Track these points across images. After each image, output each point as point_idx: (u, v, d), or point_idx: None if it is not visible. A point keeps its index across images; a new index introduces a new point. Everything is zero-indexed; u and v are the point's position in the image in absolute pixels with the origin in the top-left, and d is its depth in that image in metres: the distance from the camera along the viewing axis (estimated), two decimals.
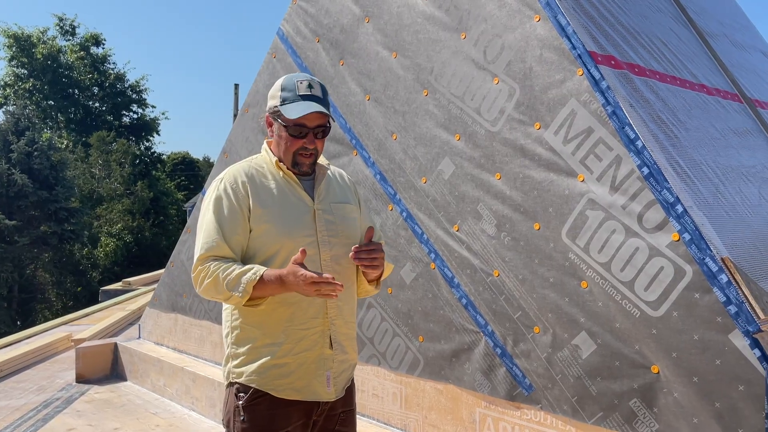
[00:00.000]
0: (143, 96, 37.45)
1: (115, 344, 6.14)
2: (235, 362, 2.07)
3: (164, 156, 40.35)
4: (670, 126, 3.06)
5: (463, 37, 3.54)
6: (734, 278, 2.50)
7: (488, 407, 3.26)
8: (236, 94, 23.73)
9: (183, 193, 39.73)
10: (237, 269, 1.95)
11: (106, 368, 6.06)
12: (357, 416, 4.15)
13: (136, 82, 37.26)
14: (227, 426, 2.08)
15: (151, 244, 30.06)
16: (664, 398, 2.60)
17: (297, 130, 2.04)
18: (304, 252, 1.89)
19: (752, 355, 2.36)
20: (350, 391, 2.24)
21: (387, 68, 3.97)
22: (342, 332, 2.15)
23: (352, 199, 2.26)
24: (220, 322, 5.22)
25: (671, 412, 2.58)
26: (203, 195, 5.66)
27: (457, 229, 3.48)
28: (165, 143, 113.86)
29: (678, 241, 2.60)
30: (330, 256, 2.10)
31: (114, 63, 42.15)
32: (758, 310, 2.43)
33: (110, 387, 5.74)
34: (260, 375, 2.03)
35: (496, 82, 3.34)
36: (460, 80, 3.53)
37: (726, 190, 3.03)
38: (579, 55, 2.99)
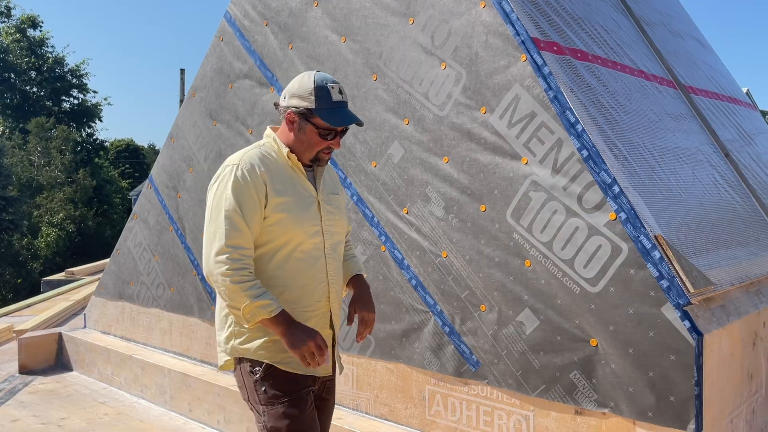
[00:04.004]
0: (84, 81, 36.15)
1: (60, 334, 5.99)
2: (240, 339, 2.16)
3: (107, 143, 39.12)
4: (609, 110, 3.19)
5: (411, 22, 3.58)
6: (666, 254, 2.64)
7: (437, 384, 3.35)
8: (182, 79, 23.18)
9: (127, 181, 38.64)
10: (259, 294, 2.02)
11: (50, 359, 5.91)
12: None
13: (77, 66, 35.93)
14: (250, 401, 2.18)
15: (95, 233, 29.18)
16: (602, 369, 2.74)
17: (328, 132, 2.17)
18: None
19: (683, 327, 2.51)
20: (333, 362, 2.37)
21: (336, 52, 3.98)
22: (335, 312, 2.31)
23: (340, 189, 2.43)
24: (168, 309, 5.17)
25: (608, 383, 2.72)
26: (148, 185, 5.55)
27: (406, 211, 3.54)
28: (108, 130, 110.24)
29: (615, 220, 2.72)
30: (330, 244, 2.26)
31: (52, 46, 40.52)
32: (688, 284, 2.58)
33: (55, 377, 5.61)
34: (266, 350, 2.14)
35: (444, 67, 3.40)
36: (408, 65, 3.58)
37: (661, 171, 3.18)
38: (522, 41, 3.08)
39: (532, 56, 3.04)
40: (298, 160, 2.22)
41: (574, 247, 2.85)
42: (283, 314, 2.04)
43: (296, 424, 2.10)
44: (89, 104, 36.21)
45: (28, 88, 34.52)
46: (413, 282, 3.48)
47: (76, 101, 36.10)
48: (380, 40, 3.74)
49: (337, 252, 2.30)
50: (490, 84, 3.19)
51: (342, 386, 3.86)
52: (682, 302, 2.54)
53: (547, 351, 2.91)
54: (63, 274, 13.47)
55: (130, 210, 28.22)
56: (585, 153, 2.84)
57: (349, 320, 2.34)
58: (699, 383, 2.48)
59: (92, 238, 28.69)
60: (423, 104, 3.50)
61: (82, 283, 11.07)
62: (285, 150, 2.20)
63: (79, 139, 33.79)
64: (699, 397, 2.48)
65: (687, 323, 2.51)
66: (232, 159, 2.18)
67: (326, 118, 2.12)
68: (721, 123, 4.31)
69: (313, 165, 2.27)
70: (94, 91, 44.74)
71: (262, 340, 2.13)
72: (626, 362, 2.66)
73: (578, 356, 2.81)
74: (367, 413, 3.70)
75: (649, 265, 2.62)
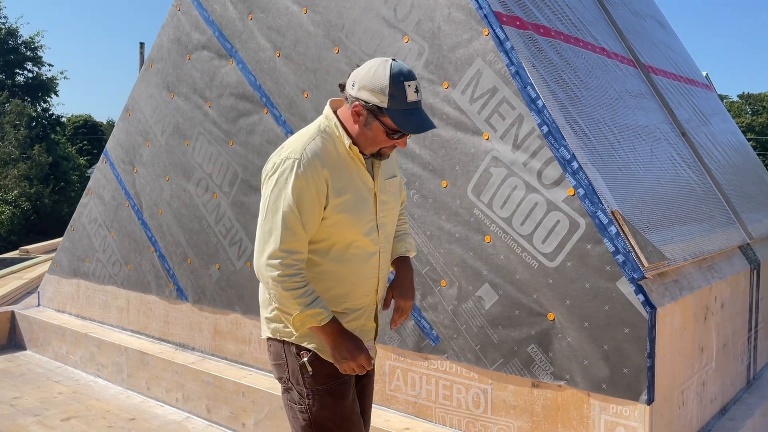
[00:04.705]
0: (39, 53, 34.81)
1: (13, 313, 5.82)
2: (283, 324, 2.10)
3: (64, 119, 37.90)
4: (571, 86, 3.19)
5: None
6: (622, 230, 2.67)
7: (397, 359, 3.35)
8: (141, 53, 22.53)
9: (85, 158, 37.60)
10: (310, 302, 1.96)
11: (2, 338, 5.75)
12: (271, 375, 4.14)
13: (31, 38, 34.55)
14: (291, 381, 2.12)
15: (52, 211, 28.37)
16: (558, 343, 2.77)
17: (396, 131, 2.00)
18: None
19: (637, 300, 2.55)
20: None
21: (297, 24, 3.89)
22: (378, 306, 2.26)
23: (396, 170, 2.29)
24: (125, 287, 5.06)
25: (564, 356, 2.75)
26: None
27: None
28: (65, 105, 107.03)
29: (573, 195, 2.74)
30: (384, 237, 2.19)
31: (5, 17, 38.86)
32: (643, 259, 2.62)
33: (8, 356, 5.45)
34: (311, 337, 2.08)
35: (406, 40, 3.36)
36: (371, 38, 3.52)
37: (620, 148, 3.21)
38: (485, 15, 3.05)
39: (494, 30, 3.02)
40: (360, 151, 2.07)
41: (533, 223, 2.86)
42: (333, 323, 2.01)
43: (339, 408, 2.10)
44: (44, 78, 34.94)
45: None
46: None
47: (30, 74, 34.79)
48: (342, 12, 3.67)
49: (389, 243, 2.24)
50: (453, 58, 3.16)
51: None
52: (636, 276, 2.58)
53: (506, 325, 2.93)
54: (17, 252, 13.06)
55: None
56: (545, 129, 2.85)
57: (386, 305, 2.28)
58: (651, 355, 2.54)
59: (49, 216, 27.89)
60: None
61: (37, 262, 10.75)
62: (347, 142, 2.04)
63: (34, 114, 32.64)
64: (651, 368, 2.54)
65: (641, 297, 2.55)
66: (294, 150, 2.00)
67: (399, 122, 1.94)
68: (678, 103, 4.38)
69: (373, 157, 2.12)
70: (50, 65, 43.13)
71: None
72: (582, 335, 2.70)
73: (536, 330, 2.84)
74: None
75: (605, 240, 2.65)
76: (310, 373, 2.07)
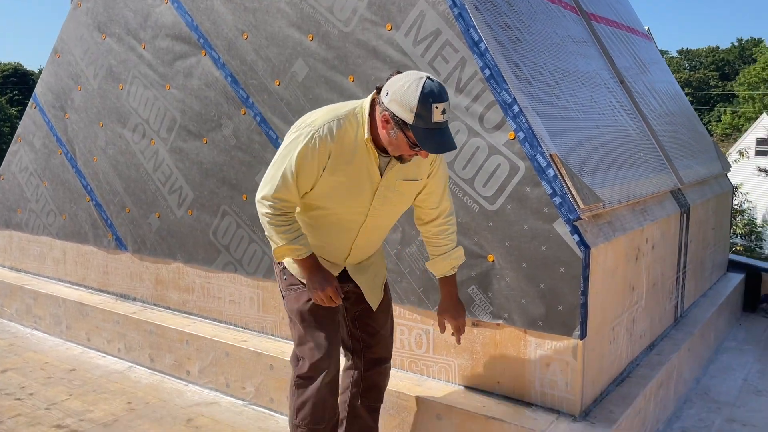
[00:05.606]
0: None
1: None
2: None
3: None
4: (514, 30, 3.19)
5: None
6: (560, 172, 2.73)
7: None
8: None
9: (16, 108, 35.71)
10: (293, 238, 2.27)
11: None
12: (215, 323, 4.13)
13: None
14: (280, 288, 2.57)
15: None
16: (497, 283, 2.85)
17: (418, 146, 2.12)
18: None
19: (572, 240, 2.63)
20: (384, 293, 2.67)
21: None
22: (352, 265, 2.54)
23: (423, 175, 2.39)
24: (60, 238, 4.90)
25: (503, 296, 2.83)
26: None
27: None
28: None
29: (513, 139, 2.77)
30: (371, 224, 2.40)
31: None
32: (579, 201, 2.69)
33: None
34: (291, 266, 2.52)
35: None
36: None
37: (561, 93, 3.25)
38: None
39: None
40: (382, 149, 2.23)
41: (474, 167, 2.89)
42: (310, 258, 2.32)
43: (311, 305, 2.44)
44: None
45: None
46: None
47: None
48: None
49: (378, 229, 2.45)
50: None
51: (247, 310, 3.84)
52: (572, 218, 2.66)
53: None
54: None
55: None
56: (487, 72, 2.85)
57: (441, 328, 2.60)
58: (585, 293, 2.64)
59: None
60: (327, 19, 3.36)
61: None
62: (366, 136, 2.20)
63: None
64: (584, 305, 2.64)
65: (576, 237, 2.63)
66: (316, 120, 2.21)
67: (420, 140, 2.07)
68: (618, 51, 4.44)
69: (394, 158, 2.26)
70: None
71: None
72: (520, 276, 2.78)
73: (476, 272, 2.90)
74: (273, 335, 3.71)
75: (543, 182, 2.70)
76: (284, 278, 2.52)
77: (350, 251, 2.46)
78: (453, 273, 2.56)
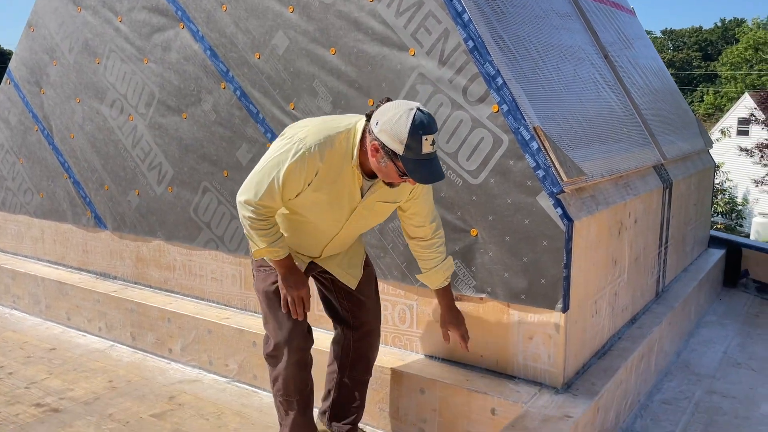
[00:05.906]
0: None
1: None
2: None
3: None
4: (497, 1, 3.14)
5: None
6: (544, 145, 2.71)
7: None
8: None
9: None
10: (272, 241, 2.33)
11: None
12: (197, 300, 4.10)
13: None
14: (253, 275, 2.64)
15: None
16: (480, 257, 2.84)
17: (407, 175, 2.15)
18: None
19: (555, 213, 2.62)
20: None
21: None
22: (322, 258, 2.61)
23: (401, 197, 2.43)
24: (38, 216, 4.81)
25: (486, 269, 2.83)
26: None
27: (293, 107, 3.40)
28: None
29: (497, 112, 2.74)
30: (345, 235, 2.48)
31: None
32: (562, 174, 2.68)
33: None
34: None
35: None
36: None
37: (545, 66, 3.22)
38: None
39: None
40: (369, 173, 2.28)
41: (458, 140, 2.86)
42: (287, 259, 2.38)
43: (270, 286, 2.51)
44: None
45: None
46: None
47: None
48: None
49: (352, 236, 2.54)
50: None
51: (230, 287, 3.80)
52: (555, 191, 2.64)
53: None
54: None
55: None
56: (471, 44, 2.81)
57: (445, 339, 2.69)
58: (568, 266, 2.63)
59: None
60: None
61: None
62: (354, 162, 2.24)
63: None
64: (567, 278, 2.64)
65: (559, 210, 2.62)
66: (307, 138, 2.21)
67: (410, 171, 2.11)
68: (603, 25, 4.41)
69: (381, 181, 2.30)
70: None
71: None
72: (503, 249, 2.77)
73: (459, 246, 2.89)
74: (256, 312, 3.69)
75: (527, 155, 2.68)
76: (258, 265, 2.59)
77: (323, 251, 2.55)
78: (447, 284, 2.61)
